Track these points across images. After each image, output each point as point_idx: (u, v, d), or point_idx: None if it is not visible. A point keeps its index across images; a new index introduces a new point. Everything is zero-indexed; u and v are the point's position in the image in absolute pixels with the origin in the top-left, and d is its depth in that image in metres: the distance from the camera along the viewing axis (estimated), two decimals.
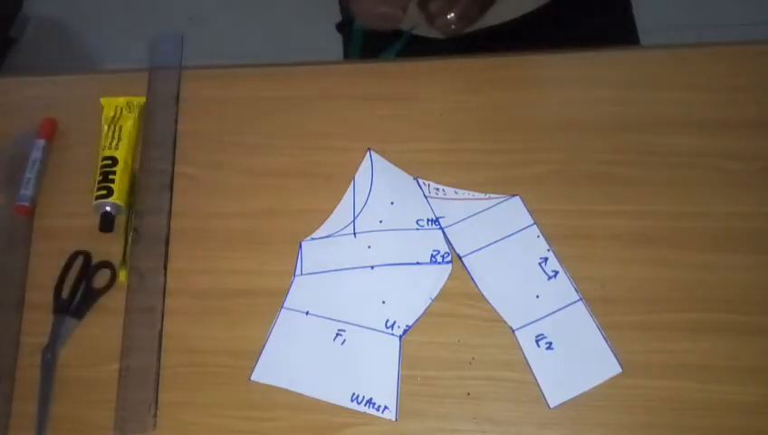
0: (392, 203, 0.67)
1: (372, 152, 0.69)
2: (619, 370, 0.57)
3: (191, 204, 0.70)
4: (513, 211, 0.64)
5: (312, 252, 0.65)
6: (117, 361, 0.63)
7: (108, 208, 0.69)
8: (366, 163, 0.69)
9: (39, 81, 0.82)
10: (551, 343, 0.59)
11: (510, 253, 0.63)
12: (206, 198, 0.70)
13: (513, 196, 0.65)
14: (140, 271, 0.67)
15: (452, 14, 0.65)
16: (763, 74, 0.68)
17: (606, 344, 0.58)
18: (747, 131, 0.65)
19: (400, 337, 0.61)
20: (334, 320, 0.63)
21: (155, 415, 0.61)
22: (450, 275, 0.63)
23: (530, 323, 0.60)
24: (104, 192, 0.69)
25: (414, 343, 0.61)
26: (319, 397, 0.60)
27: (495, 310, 0.61)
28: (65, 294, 0.67)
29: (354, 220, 0.67)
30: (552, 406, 0.57)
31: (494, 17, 0.83)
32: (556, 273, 0.62)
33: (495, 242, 0.64)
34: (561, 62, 0.71)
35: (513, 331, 0.60)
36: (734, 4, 1.60)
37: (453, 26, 0.67)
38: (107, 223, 0.69)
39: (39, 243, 0.70)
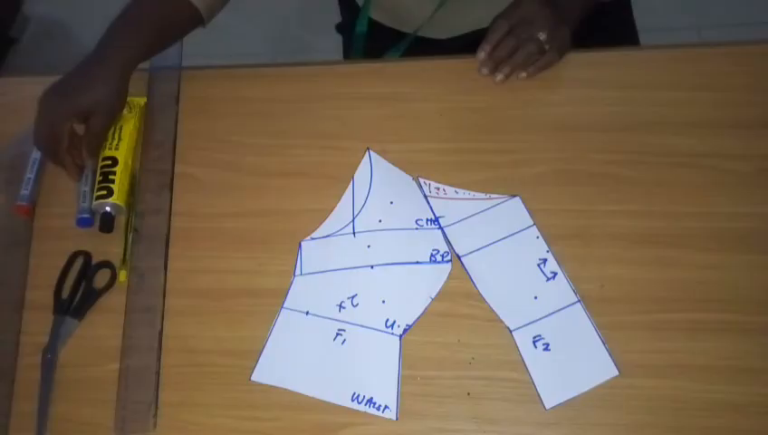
0: (391, 202, 0.67)
1: (371, 152, 0.69)
2: (615, 373, 0.57)
3: (191, 204, 0.70)
4: (513, 212, 0.64)
5: (312, 252, 0.65)
6: (117, 361, 0.63)
7: (108, 209, 0.69)
8: (365, 163, 0.69)
9: (39, 81, 0.81)
10: (548, 345, 0.59)
11: (509, 253, 0.63)
12: (206, 198, 0.70)
13: (514, 196, 0.65)
14: (140, 271, 0.67)
15: (523, 74, 0.69)
16: (763, 74, 0.68)
17: (603, 347, 0.58)
18: (747, 131, 0.65)
19: (400, 336, 0.61)
20: (334, 320, 0.63)
21: (155, 415, 0.61)
22: (450, 274, 0.63)
23: (527, 323, 0.60)
24: (104, 192, 0.69)
25: (414, 342, 0.61)
26: (319, 397, 0.60)
27: (493, 310, 0.61)
28: (65, 294, 0.67)
29: (354, 220, 0.66)
30: (547, 407, 0.57)
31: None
32: (555, 274, 0.62)
33: (495, 242, 0.64)
34: (560, 62, 0.71)
35: (511, 331, 0.60)
36: (734, 4, 1.60)
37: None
38: (107, 223, 0.69)
39: (39, 243, 0.70)
